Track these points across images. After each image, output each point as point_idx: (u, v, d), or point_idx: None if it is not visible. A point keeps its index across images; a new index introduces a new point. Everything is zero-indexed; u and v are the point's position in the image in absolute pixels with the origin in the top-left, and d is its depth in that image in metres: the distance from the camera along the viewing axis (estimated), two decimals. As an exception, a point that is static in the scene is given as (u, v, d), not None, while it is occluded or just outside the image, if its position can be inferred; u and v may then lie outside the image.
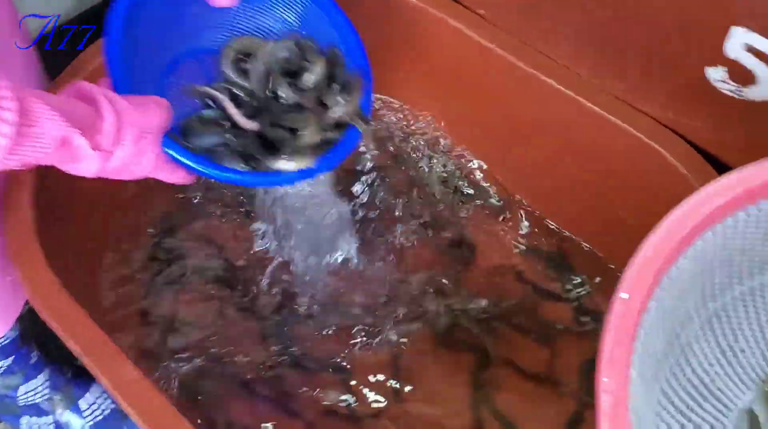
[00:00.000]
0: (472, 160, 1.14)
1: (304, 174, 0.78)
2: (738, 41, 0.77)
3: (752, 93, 0.81)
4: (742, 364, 0.67)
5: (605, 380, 0.52)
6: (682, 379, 0.64)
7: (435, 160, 1.13)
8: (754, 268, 0.66)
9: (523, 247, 1.07)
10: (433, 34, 1.04)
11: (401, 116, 1.17)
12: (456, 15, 1.03)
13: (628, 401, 0.52)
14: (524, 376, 0.98)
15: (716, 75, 0.82)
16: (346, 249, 0.99)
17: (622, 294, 0.56)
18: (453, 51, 1.04)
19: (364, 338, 0.99)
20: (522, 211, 1.10)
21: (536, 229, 1.08)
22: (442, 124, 1.16)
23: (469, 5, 1.04)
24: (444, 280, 1.04)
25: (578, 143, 0.98)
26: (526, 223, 1.08)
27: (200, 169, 0.73)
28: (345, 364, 0.98)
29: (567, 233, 1.08)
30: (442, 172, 1.12)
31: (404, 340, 0.99)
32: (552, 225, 1.09)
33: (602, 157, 0.96)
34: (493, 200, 1.11)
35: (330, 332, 0.99)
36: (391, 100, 1.18)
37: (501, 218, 1.09)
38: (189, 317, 1.00)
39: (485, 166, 1.13)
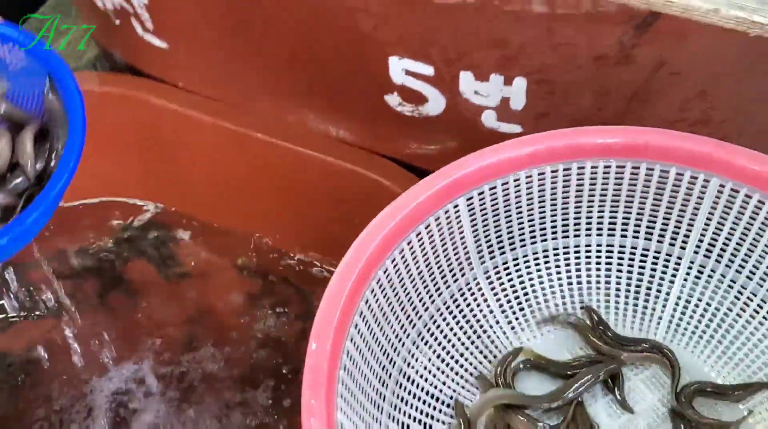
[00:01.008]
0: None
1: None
2: (398, 68, 0.82)
3: (428, 109, 0.86)
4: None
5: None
6: (407, 396, 0.67)
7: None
8: (447, 278, 0.71)
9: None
10: (139, 114, 1.04)
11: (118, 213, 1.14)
12: (157, 92, 1.03)
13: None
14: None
15: (394, 101, 0.87)
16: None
17: (312, 344, 0.58)
18: (160, 127, 1.04)
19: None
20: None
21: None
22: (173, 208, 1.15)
23: (167, 80, 1.04)
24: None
25: (304, 185, 1.01)
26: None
27: None
28: None
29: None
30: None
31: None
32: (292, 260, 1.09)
33: (327, 193, 1.00)
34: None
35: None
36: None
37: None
38: None
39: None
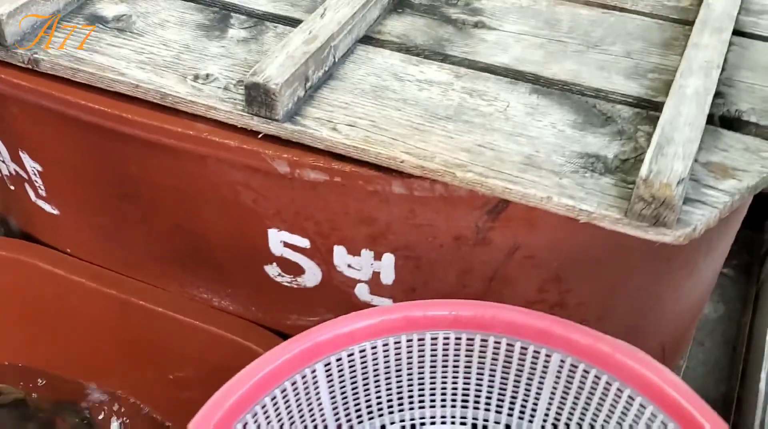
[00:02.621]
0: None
1: None
2: (276, 239, 0.86)
3: (305, 280, 0.90)
4: None
5: None
6: None
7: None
8: None
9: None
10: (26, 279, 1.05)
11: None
12: (45, 257, 1.05)
13: None
14: None
15: (273, 271, 0.91)
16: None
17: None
18: (46, 292, 1.05)
19: None
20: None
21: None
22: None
23: (56, 246, 1.06)
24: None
25: (179, 354, 1.01)
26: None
27: None
28: None
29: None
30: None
31: None
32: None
33: (202, 361, 1.00)
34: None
35: None
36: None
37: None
38: None
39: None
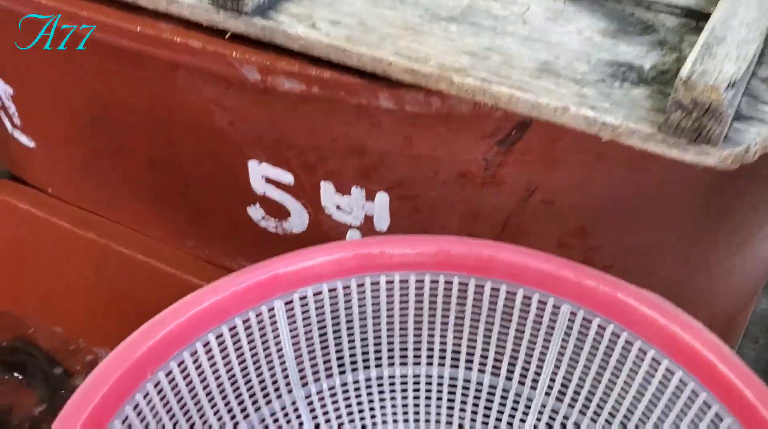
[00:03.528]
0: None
1: None
2: (257, 174, 0.75)
3: (291, 226, 0.79)
4: None
5: None
6: None
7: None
8: (257, 397, 0.60)
9: None
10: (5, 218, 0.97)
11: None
12: (25, 197, 0.96)
13: None
14: None
15: (257, 214, 0.80)
16: None
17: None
18: (23, 231, 0.96)
19: None
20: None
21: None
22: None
23: (37, 185, 0.97)
24: None
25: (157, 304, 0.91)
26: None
27: None
28: None
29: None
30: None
31: None
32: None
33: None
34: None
35: None
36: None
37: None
38: None
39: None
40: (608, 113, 0.54)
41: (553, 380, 0.60)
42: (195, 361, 0.55)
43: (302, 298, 0.59)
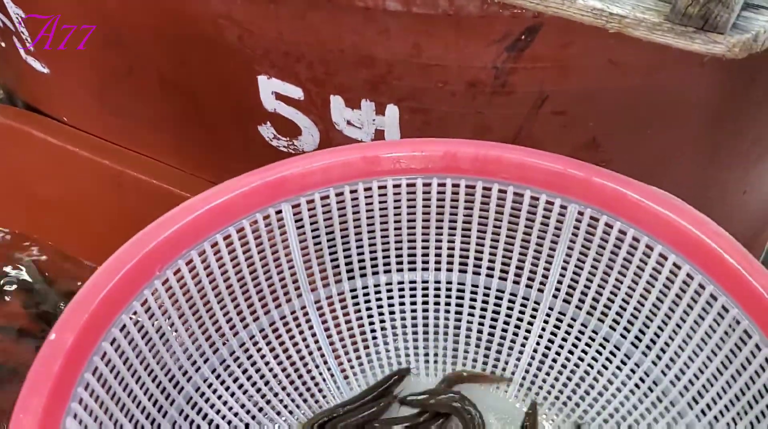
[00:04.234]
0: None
1: None
2: (267, 90, 0.75)
3: (303, 144, 0.79)
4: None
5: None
6: None
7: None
8: (266, 300, 0.60)
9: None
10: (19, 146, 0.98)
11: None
12: (39, 125, 0.97)
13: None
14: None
15: (268, 133, 0.80)
16: None
17: (53, 334, 0.47)
18: (40, 160, 0.98)
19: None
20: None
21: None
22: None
23: (50, 113, 0.98)
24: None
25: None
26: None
27: None
28: None
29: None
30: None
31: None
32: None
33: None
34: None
35: None
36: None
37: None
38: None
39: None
40: (614, 4, 0.53)
41: (560, 282, 0.60)
42: (204, 262, 0.56)
43: (309, 202, 0.59)
